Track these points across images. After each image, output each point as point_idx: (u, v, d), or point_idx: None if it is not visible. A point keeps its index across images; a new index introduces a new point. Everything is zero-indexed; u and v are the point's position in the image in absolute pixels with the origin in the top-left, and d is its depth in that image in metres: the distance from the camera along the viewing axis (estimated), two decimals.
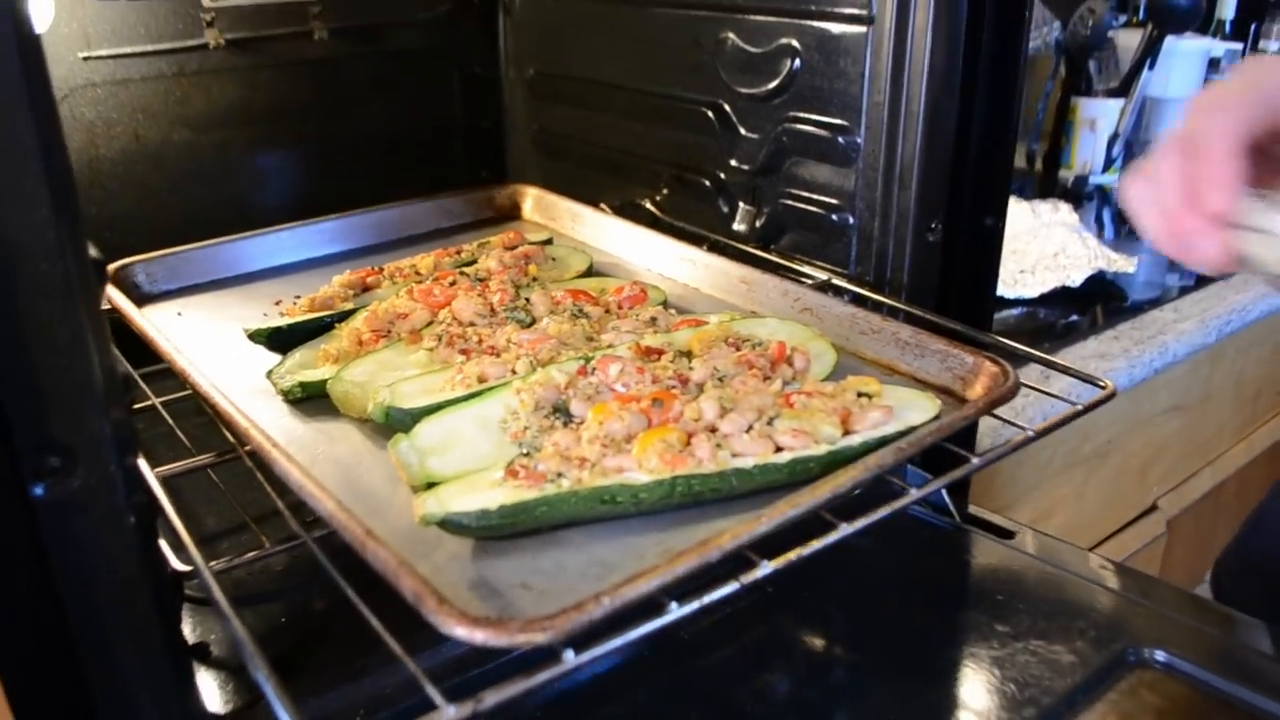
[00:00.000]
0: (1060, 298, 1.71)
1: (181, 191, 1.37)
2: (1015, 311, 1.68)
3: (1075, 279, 1.71)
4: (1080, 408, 0.88)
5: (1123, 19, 2.45)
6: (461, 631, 0.57)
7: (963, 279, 1.10)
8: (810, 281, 1.10)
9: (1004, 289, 1.69)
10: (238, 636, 0.67)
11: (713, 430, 0.74)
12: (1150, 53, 2.21)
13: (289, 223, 1.27)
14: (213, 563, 0.82)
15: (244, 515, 0.92)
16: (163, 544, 0.80)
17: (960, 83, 1.01)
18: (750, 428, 0.74)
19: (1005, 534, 1.03)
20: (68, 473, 0.58)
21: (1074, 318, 1.68)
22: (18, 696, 0.60)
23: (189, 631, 0.86)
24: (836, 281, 1.13)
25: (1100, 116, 2.26)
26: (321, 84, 1.46)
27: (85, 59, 1.25)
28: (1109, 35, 2.35)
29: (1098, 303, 1.72)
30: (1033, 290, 1.69)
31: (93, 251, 0.60)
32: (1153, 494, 1.90)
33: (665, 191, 1.39)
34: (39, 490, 0.57)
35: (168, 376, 1.02)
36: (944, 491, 1.03)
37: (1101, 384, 0.90)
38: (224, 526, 0.97)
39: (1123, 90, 2.27)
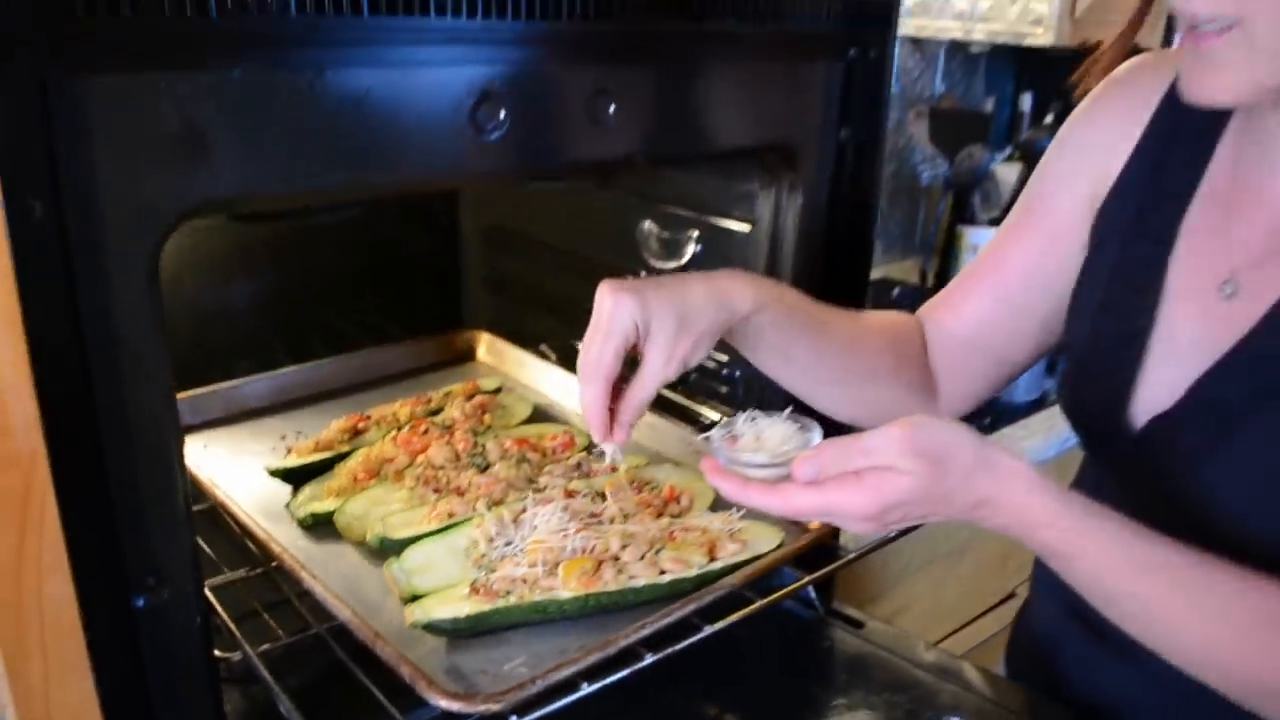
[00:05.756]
0: None
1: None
2: None
3: None
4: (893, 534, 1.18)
5: (1006, 152, 2.83)
6: (443, 702, 0.86)
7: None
8: (704, 422, 1.41)
9: None
10: (284, 705, 0.95)
11: (616, 558, 1.04)
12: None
13: (285, 366, 1.49)
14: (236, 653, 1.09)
15: (262, 611, 1.19)
16: None
17: (820, 263, 1.32)
18: (643, 556, 1.04)
19: (856, 624, 1.32)
20: (160, 587, 0.77)
21: None
22: None
23: None
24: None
25: (982, 242, 2.62)
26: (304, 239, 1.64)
27: None
28: (992, 169, 2.72)
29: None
30: None
31: None
32: (1012, 582, 2.16)
33: None
34: (140, 602, 0.76)
35: None
36: (812, 590, 1.32)
37: None
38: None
39: (1002, 220, 2.62)
